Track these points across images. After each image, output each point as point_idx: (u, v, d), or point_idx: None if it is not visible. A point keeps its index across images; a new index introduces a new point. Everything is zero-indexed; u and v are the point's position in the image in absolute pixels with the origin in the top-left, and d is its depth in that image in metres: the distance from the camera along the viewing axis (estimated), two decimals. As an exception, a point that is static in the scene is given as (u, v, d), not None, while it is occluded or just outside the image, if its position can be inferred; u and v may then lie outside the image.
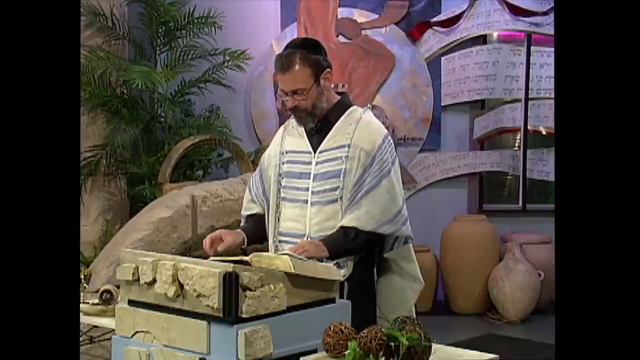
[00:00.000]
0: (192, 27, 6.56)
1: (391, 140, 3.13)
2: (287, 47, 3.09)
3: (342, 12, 7.17)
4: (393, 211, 3.03)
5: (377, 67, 7.17)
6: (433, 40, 7.26)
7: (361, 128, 3.07)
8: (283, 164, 3.13)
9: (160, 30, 6.52)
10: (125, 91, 6.32)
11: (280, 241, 3.09)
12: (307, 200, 3.05)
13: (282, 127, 3.25)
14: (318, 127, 3.09)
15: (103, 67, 6.07)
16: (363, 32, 7.17)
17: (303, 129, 3.13)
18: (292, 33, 7.08)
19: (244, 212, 3.29)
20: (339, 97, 3.15)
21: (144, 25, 6.50)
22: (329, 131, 3.09)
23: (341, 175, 3.02)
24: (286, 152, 3.14)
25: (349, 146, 3.04)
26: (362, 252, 3.06)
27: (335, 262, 2.99)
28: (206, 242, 3.02)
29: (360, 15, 7.19)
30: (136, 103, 6.37)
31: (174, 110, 6.29)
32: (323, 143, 3.08)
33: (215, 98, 6.78)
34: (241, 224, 3.30)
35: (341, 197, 3.02)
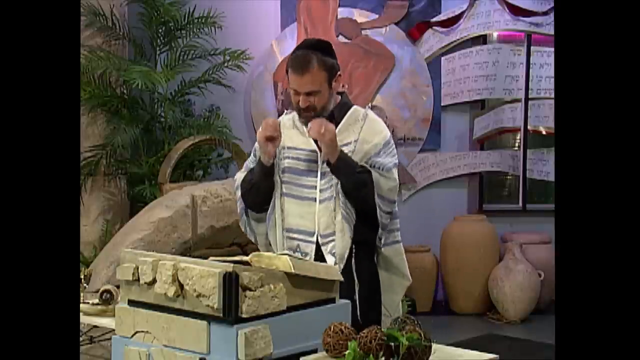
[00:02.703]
0: (192, 27, 6.57)
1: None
2: (300, 47, 3.13)
3: (342, 12, 7.17)
4: (394, 198, 3.12)
5: (377, 67, 7.17)
6: (433, 40, 7.25)
7: (368, 124, 3.14)
8: (284, 159, 3.14)
9: (160, 30, 6.52)
10: (125, 91, 6.32)
11: (289, 238, 3.11)
12: (315, 198, 3.08)
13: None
14: None
15: (103, 67, 6.08)
16: (363, 32, 7.17)
17: (304, 127, 3.13)
18: (292, 33, 7.08)
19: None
20: (340, 97, 3.20)
21: (144, 25, 6.50)
22: None
23: None
24: (287, 148, 3.14)
25: (355, 141, 3.10)
26: (353, 192, 3.05)
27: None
28: (269, 129, 3.01)
29: (360, 15, 7.19)
30: (136, 103, 6.37)
31: (174, 110, 6.29)
32: None
33: (215, 98, 6.78)
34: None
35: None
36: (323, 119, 3.02)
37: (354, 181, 3.04)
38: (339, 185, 3.05)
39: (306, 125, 3.12)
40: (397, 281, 3.24)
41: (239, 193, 3.23)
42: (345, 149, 3.08)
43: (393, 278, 3.23)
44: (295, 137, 3.16)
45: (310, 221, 3.08)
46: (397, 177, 3.13)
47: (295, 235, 3.11)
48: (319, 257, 3.06)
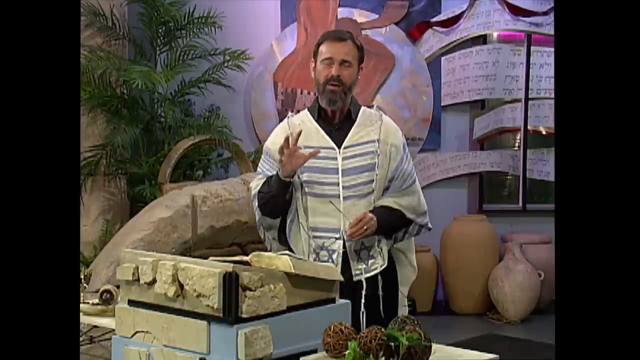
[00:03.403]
0: (192, 27, 6.57)
1: None
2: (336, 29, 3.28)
3: (342, 12, 7.17)
4: (425, 207, 3.35)
5: (377, 67, 7.17)
6: (433, 40, 7.25)
7: (386, 125, 3.22)
8: None
9: (160, 30, 6.52)
10: (125, 91, 6.32)
11: (315, 237, 3.11)
12: (338, 195, 3.09)
13: (284, 124, 3.24)
14: (338, 124, 3.18)
15: (103, 67, 6.08)
16: (363, 32, 7.17)
17: (318, 125, 3.16)
18: (292, 33, 7.08)
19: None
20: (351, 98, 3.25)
21: (144, 25, 6.50)
22: (349, 128, 3.17)
23: (375, 169, 3.12)
24: (304, 147, 3.12)
25: (378, 141, 3.16)
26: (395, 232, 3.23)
27: (370, 255, 3.13)
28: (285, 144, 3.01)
29: (360, 15, 7.19)
30: (136, 103, 6.37)
31: (174, 110, 6.29)
32: (347, 139, 3.15)
33: (215, 98, 6.78)
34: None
35: (374, 190, 3.12)
36: (356, 221, 3.04)
37: (399, 227, 3.23)
38: (375, 184, 3.12)
39: (331, 105, 3.12)
40: (409, 274, 3.31)
41: (256, 203, 3.20)
42: (369, 148, 3.13)
43: (408, 272, 3.31)
44: (309, 136, 3.15)
45: (336, 218, 3.09)
46: (419, 187, 3.30)
47: (320, 234, 3.11)
48: (345, 253, 3.10)
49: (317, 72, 3.16)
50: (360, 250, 3.12)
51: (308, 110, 3.24)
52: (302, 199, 3.13)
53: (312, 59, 3.20)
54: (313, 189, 3.11)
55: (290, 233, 3.17)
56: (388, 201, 3.16)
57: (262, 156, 3.25)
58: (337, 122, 3.18)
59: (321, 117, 3.19)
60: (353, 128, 3.17)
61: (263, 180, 3.17)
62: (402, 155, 3.20)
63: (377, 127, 3.18)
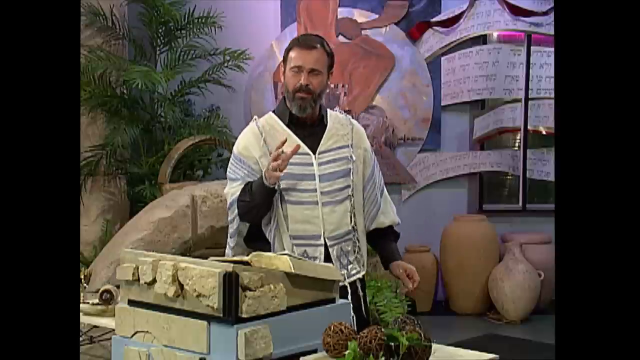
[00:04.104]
0: (192, 27, 6.58)
1: None
2: (306, 34, 3.25)
3: (342, 12, 7.17)
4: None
5: (377, 67, 7.17)
6: (433, 40, 7.26)
7: (356, 129, 3.20)
8: None
9: (160, 30, 6.52)
10: (125, 91, 6.33)
11: (295, 245, 3.03)
12: (317, 202, 3.04)
13: (253, 128, 3.12)
14: (310, 129, 3.10)
15: (103, 67, 6.08)
16: (363, 32, 7.17)
17: (289, 130, 3.08)
18: (292, 33, 7.08)
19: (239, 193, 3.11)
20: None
21: (144, 25, 6.51)
22: (321, 133, 3.11)
23: (351, 175, 3.10)
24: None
25: (351, 146, 3.13)
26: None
27: (349, 260, 3.11)
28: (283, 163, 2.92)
29: (360, 15, 7.19)
30: (136, 103, 6.38)
31: (174, 110, 6.29)
32: (321, 144, 3.09)
33: (215, 98, 6.78)
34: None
35: (351, 196, 3.09)
36: (417, 282, 3.12)
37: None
38: (352, 190, 3.09)
39: (302, 112, 3.07)
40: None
41: (235, 212, 3.08)
42: (344, 154, 3.10)
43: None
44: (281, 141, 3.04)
45: (316, 225, 3.04)
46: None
47: (301, 242, 3.04)
48: (328, 260, 3.03)
49: (286, 78, 3.08)
50: (340, 256, 3.08)
51: (275, 114, 3.14)
52: (281, 206, 3.04)
53: (282, 64, 3.12)
54: (291, 196, 3.03)
55: (273, 241, 3.08)
56: (385, 222, 3.22)
57: (233, 161, 3.11)
58: (309, 127, 3.10)
59: (292, 122, 3.10)
60: (326, 133, 3.11)
61: (241, 187, 3.06)
62: (374, 158, 3.24)
63: (348, 132, 3.14)
